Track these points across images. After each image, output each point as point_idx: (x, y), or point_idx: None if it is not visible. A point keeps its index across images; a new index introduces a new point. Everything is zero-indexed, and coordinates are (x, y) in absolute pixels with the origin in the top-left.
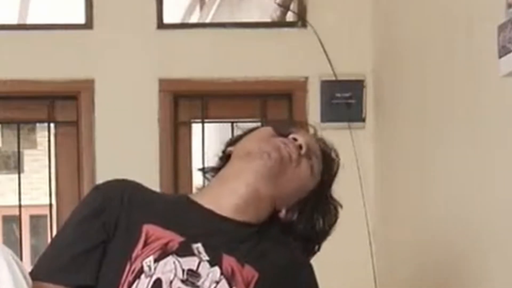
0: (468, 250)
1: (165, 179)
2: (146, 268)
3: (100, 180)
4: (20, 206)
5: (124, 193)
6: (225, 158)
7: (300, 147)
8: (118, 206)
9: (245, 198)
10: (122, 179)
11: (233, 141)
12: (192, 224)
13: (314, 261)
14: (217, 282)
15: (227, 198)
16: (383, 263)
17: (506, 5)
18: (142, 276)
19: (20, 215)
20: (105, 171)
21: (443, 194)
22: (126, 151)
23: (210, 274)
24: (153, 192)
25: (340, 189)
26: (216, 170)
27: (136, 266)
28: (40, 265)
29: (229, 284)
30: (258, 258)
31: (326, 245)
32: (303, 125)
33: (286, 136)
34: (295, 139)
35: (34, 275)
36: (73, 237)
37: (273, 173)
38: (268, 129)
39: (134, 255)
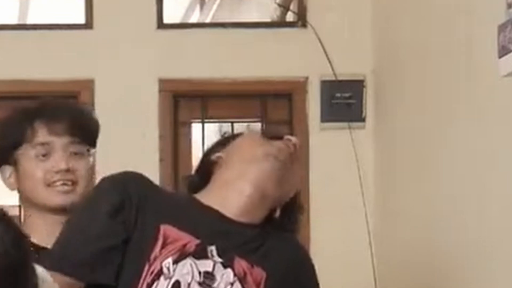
0: (468, 249)
1: (165, 179)
2: (165, 270)
3: (99, 180)
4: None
5: (141, 190)
6: (210, 164)
7: (295, 146)
8: (136, 204)
9: (252, 200)
10: (135, 173)
11: (216, 149)
12: (204, 226)
13: (315, 261)
14: (232, 284)
15: (233, 200)
16: (383, 263)
17: (506, 5)
18: (161, 277)
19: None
20: (105, 171)
21: (443, 194)
22: (126, 151)
23: (224, 276)
24: (161, 189)
25: (340, 189)
26: (202, 178)
27: (155, 267)
28: (53, 255)
29: (242, 285)
30: (264, 258)
31: (326, 245)
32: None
33: (279, 138)
34: (289, 140)
35: (44, 263)
36: (97, 232)
37: (281, 175)
38: (257, 134)
39: (152, 256)
